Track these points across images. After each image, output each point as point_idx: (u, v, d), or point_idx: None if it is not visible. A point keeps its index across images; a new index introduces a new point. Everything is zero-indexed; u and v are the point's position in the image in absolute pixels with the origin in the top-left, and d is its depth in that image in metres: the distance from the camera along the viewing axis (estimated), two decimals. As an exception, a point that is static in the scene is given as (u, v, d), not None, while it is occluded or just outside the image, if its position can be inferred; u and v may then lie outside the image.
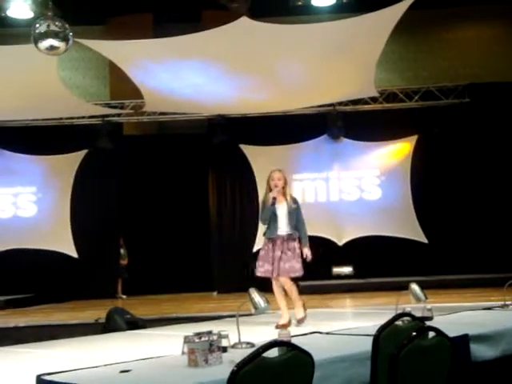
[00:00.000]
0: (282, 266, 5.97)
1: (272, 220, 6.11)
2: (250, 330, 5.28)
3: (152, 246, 12.33)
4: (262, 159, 12.12)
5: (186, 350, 3.39)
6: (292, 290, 6.09)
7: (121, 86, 11.68)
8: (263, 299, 4.07)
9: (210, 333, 3.36)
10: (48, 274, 11.70)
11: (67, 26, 6.96)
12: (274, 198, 6.08)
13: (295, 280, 6.21)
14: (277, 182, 6.16)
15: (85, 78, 12.42)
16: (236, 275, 11.83)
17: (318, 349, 3.24)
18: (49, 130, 11.79)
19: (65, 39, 6.89)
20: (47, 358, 4.87)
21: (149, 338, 6.00)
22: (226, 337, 3.68)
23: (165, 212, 12.44)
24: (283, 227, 6.10)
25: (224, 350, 3.46)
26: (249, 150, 12.24)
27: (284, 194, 6.17)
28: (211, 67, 9.38)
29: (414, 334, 2.48)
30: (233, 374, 2.26)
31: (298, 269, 6.05)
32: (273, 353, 2.39)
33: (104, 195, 12.13)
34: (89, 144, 12.01)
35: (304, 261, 6.11)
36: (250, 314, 4.97)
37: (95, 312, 8.39)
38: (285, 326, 5.53)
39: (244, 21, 7.67)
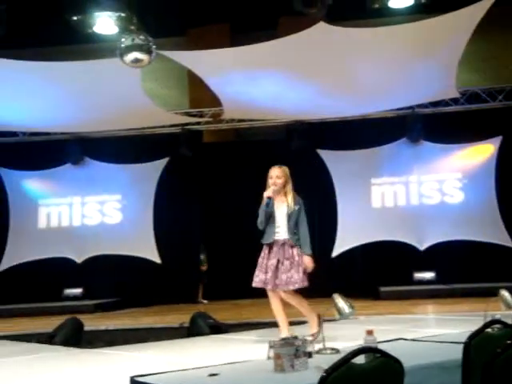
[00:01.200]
0: (279, 276, 5.27)
1: (269, 223, 5.41)
2: (333, 336, 5.27)
3: (232, 251, 12.47)
4: (340, 164, 12.07)
5: (271, 354, 3.43)
6: (300, 304, 5.47)
7: (200, 94, 11.95)
8: (348, 305, 4.06)
9: (295, 338, 3.39)
10: (133, 279, 12.09)
11: (150, 39, 7.20)
12: (269, 198, 5.32)
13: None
14: (275, 180, 5.43)
15: (165, 88, 12.77)
16: (315, 281, 11.79)
17: (405, 356, 3.19)
18: (132, 140, 12.23)
19: (148, 52, 7.14)
20: (137, 360, 5.04)
21: (232, 342, 6.10)
22: (311, 342, 3.69)
23: (244, 218, 12.53)
24: (281, 231, 5.39)
25: (309, 355, 3.47)
26: (327, 155, 12.20)
27: (285, 194, 5.44)
28: (289, 73, 9.43)
29: (509, 342, 2.42)
30: (322, 379, 2.27)
31: (297, 280, 5.26)
32: (358, 359, 2.39)
33: (185, 201, 12.40)
34: (170, 152, 12.33)
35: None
36: (334, 320, 4.96)
37: (179, 316, 8.60)
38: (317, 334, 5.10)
39: (321, 26, 7.68)
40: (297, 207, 5.41)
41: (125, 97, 9.85)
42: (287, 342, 3.30)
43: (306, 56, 8.81)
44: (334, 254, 11.84)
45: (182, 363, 4.27)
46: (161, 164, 12.51)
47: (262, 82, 9.69)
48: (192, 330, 6.89)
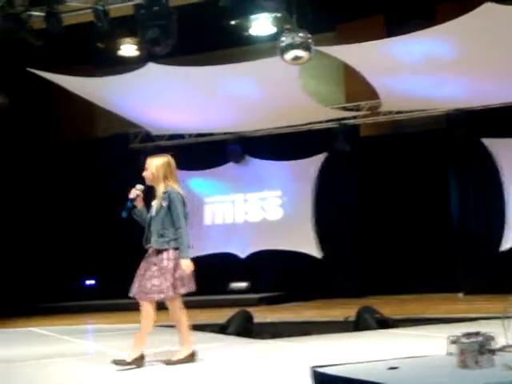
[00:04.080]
0: (143, 284, 4.48)
1: (146, 225, 4.64)
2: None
3: (393, 245, 12.26)
4: (507, 152, 11.38)
5: (452, 350, 3.34)
6: (146, 320, 4.53)
7: (355, 88, 11.89)
8: (532, 301, 3.83)
9: (477, 334, 3.28)
10: (295, 274, 12.34)
11: (309, 36, 7.31)
12: (132, 201, 4.55)
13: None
14: (144, 173, 4.63)
15: (321, 83, 12.84)
16: (483, 275, 11.27)
17: None
18: (290, 136, 12.48)
19: (308, 49, 7.25)
20: (306, 352, 5.15)
21: (402, 337, 6.00)
22: (493, 339, 3.54)
23: (405, 211, 12.29)
24: (150, 234, 4.62)
25: (493, 352, 3.34)
26: (492, 144, 11.54)
27: (158, 189, 4.58)
28: (449, 59, 9.09)
29: None
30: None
31: (164, 289, 4.46)
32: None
33: (344, 196, 12.42)
34: (327, 147, 12.40)
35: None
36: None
37: (342, 311, 8.61)
38: (136, 362, 4.42)
39: (488, 7, 7.30)
40: (164, 203, 4.53)
41: (283, 95, 10.09)
42: (471, 337, 3.21)
43: (469, 40, 8.45)
44: (502, 248, 11.22)
45: (355, 356, 4.30)
46: (319, 159, 12.62)
47: (420, 70, 9.44)
48: (358, 325, 6.87)
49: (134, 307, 4.69)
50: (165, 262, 4.48)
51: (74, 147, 13.57)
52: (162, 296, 4.48)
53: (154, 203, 4.59)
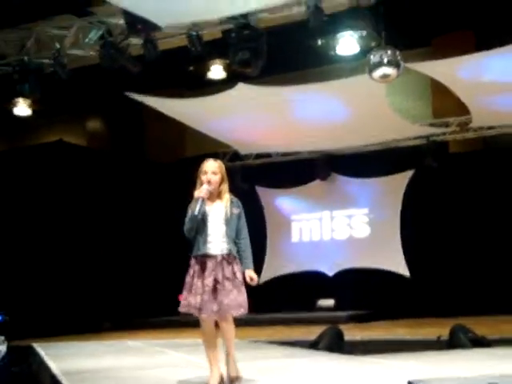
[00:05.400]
0: (219, 300, 4.14)
1: (200, 230, 4.26)
2: None
3: (483, 264, 11.88)
4: None
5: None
6: (232, 338, 4.31)
7: (444, 104, 11.72)
8: None
9: None
10: (383, 292, 12.18)
11: (398, 53, 7.31)
12: (202, 200, 4.22)
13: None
14: (210, 176, 4.29)
15: (408, 100, 12.73)
16: None
17: None
18: (377, 154, 12.42)
19: (397, 66, 7.26)
20: (400, 368, 5.09)
21: (500, 357, 5.82)
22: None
23: (497, 229, 11.93)
24: (217, 242, 4.25)
25: None
26: None
27: (220, 195, 4.33)
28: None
29: None
30: None
31: (242, 303, 4.19)
32: None
33: (433, 213, 12.21)
34: (415, 164, 12.26)
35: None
36: None
37: (434, 329, 8.42)
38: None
39: None
40: (236, 211, 4.33)
41: (370, 112, 10.10)
42: None
43: None
44: None
45: (451, 373, 4.25)
46: (406, 176, 12.50)
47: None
48: (452, 344, 6.73)
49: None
50: (238, 274, 4.22)
51: (165, 167, 14.06)
52: (242, 311, 4.21)
53: (216, 208, 4.32)
